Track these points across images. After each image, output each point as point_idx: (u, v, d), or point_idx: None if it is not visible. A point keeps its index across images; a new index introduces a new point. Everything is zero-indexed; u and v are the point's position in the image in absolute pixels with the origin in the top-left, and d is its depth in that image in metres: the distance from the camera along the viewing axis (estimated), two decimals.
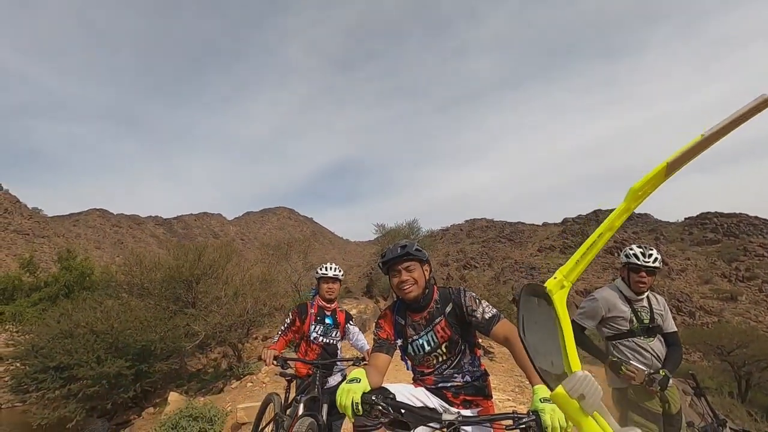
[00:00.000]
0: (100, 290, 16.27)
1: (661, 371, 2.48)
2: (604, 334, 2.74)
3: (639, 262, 2.60)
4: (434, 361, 1.90)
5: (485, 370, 1.95)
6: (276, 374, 8.67)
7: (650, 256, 2.61)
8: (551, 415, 1.20)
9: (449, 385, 1.87)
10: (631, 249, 2.68)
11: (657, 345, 2.62)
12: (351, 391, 1.37)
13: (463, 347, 1.90)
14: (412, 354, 1.94)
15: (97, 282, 18.49)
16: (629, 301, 2.67)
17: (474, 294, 1.90)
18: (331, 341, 3.26)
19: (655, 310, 2.67)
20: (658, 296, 2.76)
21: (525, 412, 1.29)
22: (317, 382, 2.92)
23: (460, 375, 1.87)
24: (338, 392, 1.38)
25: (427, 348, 1.89)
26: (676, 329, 2.71)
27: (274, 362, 2.99)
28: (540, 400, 1.27)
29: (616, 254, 54.14)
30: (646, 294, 2.68)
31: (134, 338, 10.02)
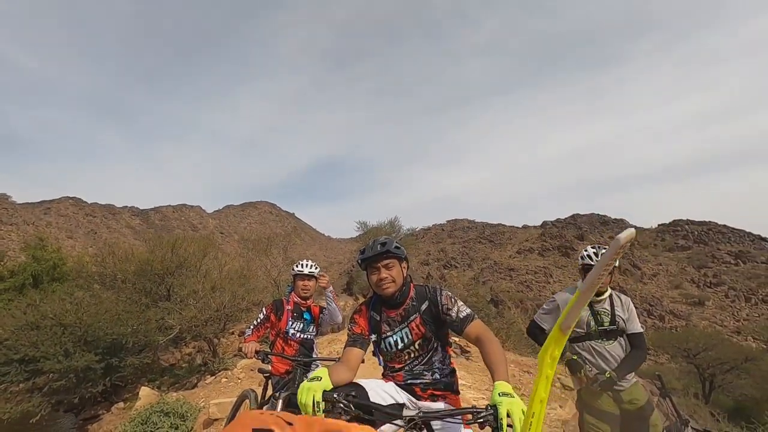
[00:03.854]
0: (70, 281, 15.76)
1: (607, 372, 2.48)
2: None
3: (593, 263, 2.58)
4: (406, 357, 1.92)
5: (454, 367, 1.98)
6: (251, 369, 8.58)
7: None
8: (508, 407, 1.26)
9: (418, 381, 1.89)
10: (585, 250, 2.69)
11: (616, 348, 2.60)
12: (312, 389, 1.40)
13: (435, 345, 1.92)
14: (385, 350, 1.95)
15: (68, 273, 17.89)
16: (590, 304, 2.64)
17: (450, 293, 1.92)
18: (308, 337, 3.25)
19: (617, 312, 2.64)
20: (622, 297, 2.72)
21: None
22: (298, 380, 2.89)
23: (430, 372, 1.90)
24: (299, 391, 1.40)
25: (401, 344, 1.91)
26: (640, 330, 2.66)
27: (256, 356, 2.95)
28: (498, 394, 1.32)
29: None
30: (607, 294, 2.65)
31: (105, 331, 9.73)
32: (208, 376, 9.70)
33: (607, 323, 2.61)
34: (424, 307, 1.91)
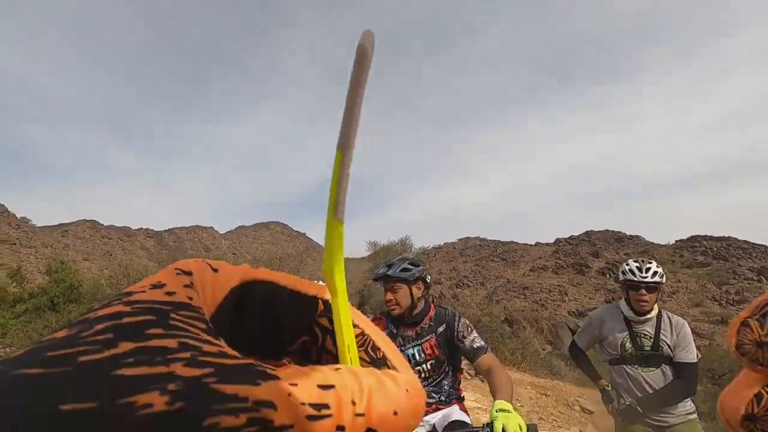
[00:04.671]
0: (86, 303, 15.96)
1: (628, 400, 2.24)
2: (601, 356, 2.54)
3: (636, 279, 2.28)
4: (418, 376, 1.96)
5: (462, 395, 2.00)
6: None
7: (648, 270, 2.29)
8: (503, 422, 1.29)
9: (427, 401, 1.92)
10: (627, 264, 2.38)
11: (657, 377, 2.24)
12: None
13: (447, 369, 1.95)
14: None
15: (84, 294, 18.14)
16: (629, 323, 2.35)
17: (468, 322, 1.95)
18: None
19: (662, 336, 2.28)
20: (675, 318, 2.35)
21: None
22: None
23: (438, 395, 1.92)
24: None
25: (412, 361, 1.94)
26: (692, 361, 2.23)
27: None
28: (496, 410, 1.37)
29: (608, 275, 54.31)
30: (653, 314, 2.31)
31: None
32: None
33: (648, 347, 2.29)
34: (440, 329, 1.93)
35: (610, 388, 2.42)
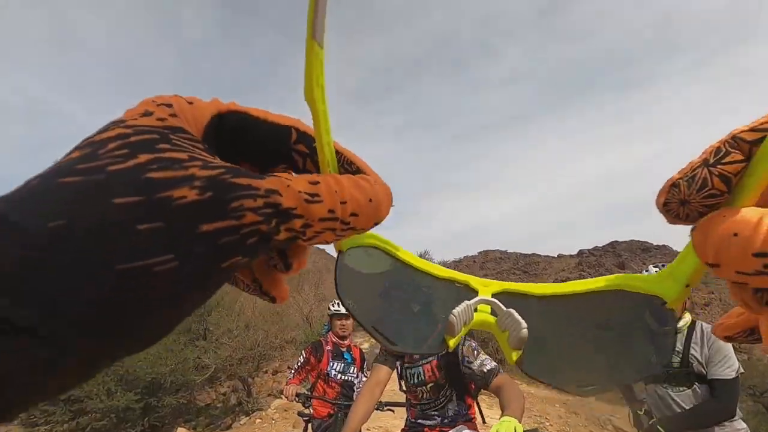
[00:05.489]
0: None
1: (652, 420, 2.07)
2: None
3: None
4: (420, 395, 1.95)
5: (472, 417, 1.94)
6: (285, 410, 8.45)
7: None
8: (497, 428, 1.35)
9: (428, 422, 1.92)
10: (647, 270, 2.18)
11: (687, 397, 2.03)
12: None
13: (449, 393, 1.88)
14: (406, 379, 2.01)
15: None
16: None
17: (474, 344, 1.86)
18: (349, 378, 3.19)
19: (692, 351, 2.04)
20: (709, 330, 2.06)
21: None
22: (338, 423, 2.83)
23: (440, 418, 1.90)
24: None
25: (416, 380, 1.94)
26: (728, 377, 1.97)
27: (296, 399, 2.93)
28: (500, 420, 1.41)
29: None
30: (684, 323, 2.08)
31: (145, 370, 9.92)
32: (243, 417, 9.63)
33: (676, 364, 2.06)
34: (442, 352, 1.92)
35: (642, 412, 2.25)
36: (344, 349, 3.23)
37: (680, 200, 0.20)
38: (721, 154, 0.19)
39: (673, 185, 0.20)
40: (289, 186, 0.18)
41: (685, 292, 0.24)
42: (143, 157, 0.15)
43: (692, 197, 0.19)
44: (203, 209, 0.15)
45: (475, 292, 0.29)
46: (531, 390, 9.90)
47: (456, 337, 0.28)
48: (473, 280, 0.30)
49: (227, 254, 0.16)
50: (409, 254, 0.30)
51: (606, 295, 0.26)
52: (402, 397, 2.84)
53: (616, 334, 0.27)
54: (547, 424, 6.86)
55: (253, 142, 0.21)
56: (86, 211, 0.13)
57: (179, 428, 8.79)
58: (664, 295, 0.25)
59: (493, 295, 0.28)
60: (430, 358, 1.90)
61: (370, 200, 0.21)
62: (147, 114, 0.17)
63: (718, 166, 0.19)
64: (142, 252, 0.13)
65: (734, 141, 0.19)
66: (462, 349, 1.84)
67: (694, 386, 2.02)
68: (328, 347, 3.21)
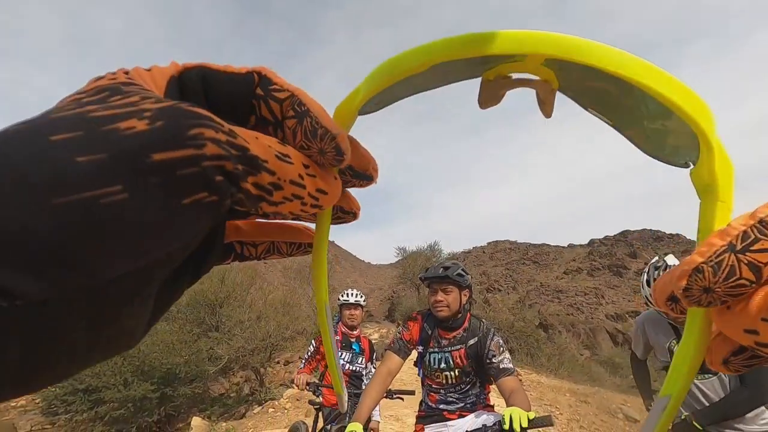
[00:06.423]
0: None
1: (683, 414, 1.96)
2: (655, 365, 2.26)
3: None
4: (443, 381, 1.98)
5: (491, 403, 2.02)
6: (297, 399, 8.59)
7: (668, 268, 1.97)
8: (510, 413, 1.48)
9: (450, 407, 1.97)
10: (659, 262, 2.08)
11: (714, 385, 1.93)
12: None
13: (474, 380, 1.96)
14: (427, 363, 2.02)
15: None
16: (675, 328, 2.05)
17: (501, 341, 1.94)
18: (357, 368, 3.22)
19: None
20: None
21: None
22: (349, 412, 2.87)
23: (462, 403, 1.96)
24: None
25: (442, 365, 1.96)
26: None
27: (307, 388, 2.97)
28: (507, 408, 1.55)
29: None
30: None
31: (160, 361, 10.14)
32: (256, 406, 9.80)
33: None
34: (471, 342, 1.94)
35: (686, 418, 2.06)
36: (353, 340, 3.26)
37: (704, 287, 0.18)
38: (750, 240, 0.17)
39: (696, 270, 0.18)
40: (258, 138, 0.17)
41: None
42: (91, 107, 0.15)
43: (718, 285, 0.18)
44: (154, 137, 0.14)
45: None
46: (541, 379, 9.90)
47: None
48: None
49: (188, 188, 0.14)
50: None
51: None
52: (411, 386, 2.87)
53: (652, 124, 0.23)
54: (557, 413, 6.87)
55: (221, 96, 0.20)
56: (21, 153, 0.12)
57: (194, 417, 8.99)
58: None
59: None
60: (458, 346, 1.94)
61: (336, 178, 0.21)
62: (101, 78, 0.17)
63: (747, 254, 0.17)
64: (80, 185, 0.13)
65: (762, 226, 0.17)
66: (490, 343, 1.90)
67: (719, 374, 1.91)
68: (337, 337, 3.24)
